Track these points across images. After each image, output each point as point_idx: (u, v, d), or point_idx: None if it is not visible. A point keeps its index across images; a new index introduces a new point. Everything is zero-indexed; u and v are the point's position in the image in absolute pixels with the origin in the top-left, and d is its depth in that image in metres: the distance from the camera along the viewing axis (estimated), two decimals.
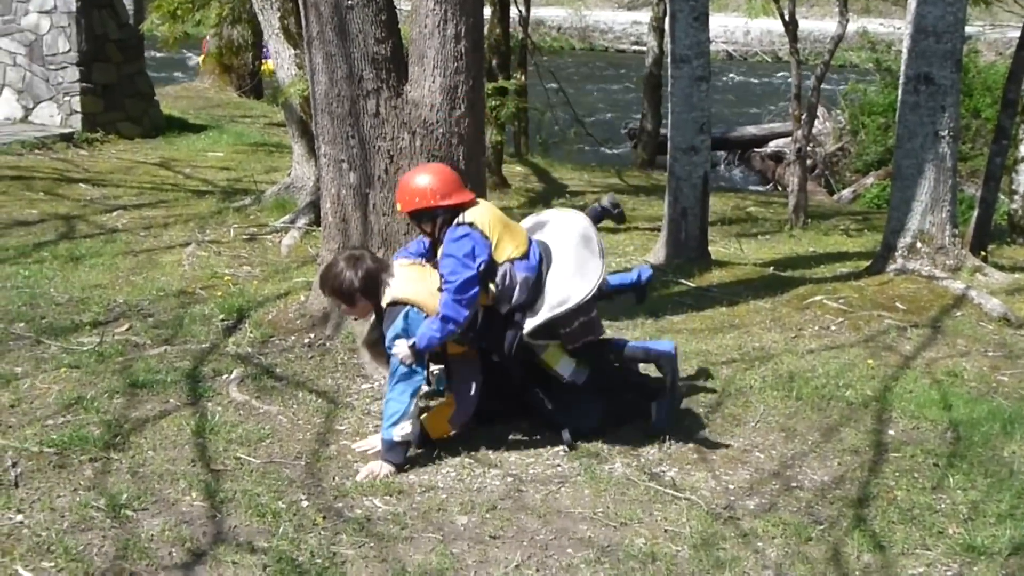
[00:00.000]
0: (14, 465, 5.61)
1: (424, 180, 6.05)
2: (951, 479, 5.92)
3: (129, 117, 15.85)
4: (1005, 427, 6.55)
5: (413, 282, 5.93)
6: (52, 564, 4.76)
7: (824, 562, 5.11)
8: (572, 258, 6.10)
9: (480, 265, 5.83)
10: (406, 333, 5.79)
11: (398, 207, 6.15)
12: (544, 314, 5.92)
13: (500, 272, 5.89)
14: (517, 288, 5.89)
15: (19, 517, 5.13)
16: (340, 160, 7.29)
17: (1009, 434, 6.48)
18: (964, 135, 17.59)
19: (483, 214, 5.99)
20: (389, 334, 5.84)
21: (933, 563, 5.14)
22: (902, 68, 9.79)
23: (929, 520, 5.50)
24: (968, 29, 11.12)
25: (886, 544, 5.28)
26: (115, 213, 11.13)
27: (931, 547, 5.27)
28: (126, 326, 7.75)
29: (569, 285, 5.98)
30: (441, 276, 5.84)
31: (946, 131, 9.50)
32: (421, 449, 6.01)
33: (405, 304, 5.84)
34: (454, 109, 7.16)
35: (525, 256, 5.98)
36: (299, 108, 11.54)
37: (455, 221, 5.95)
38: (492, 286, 5.91)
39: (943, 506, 5.66)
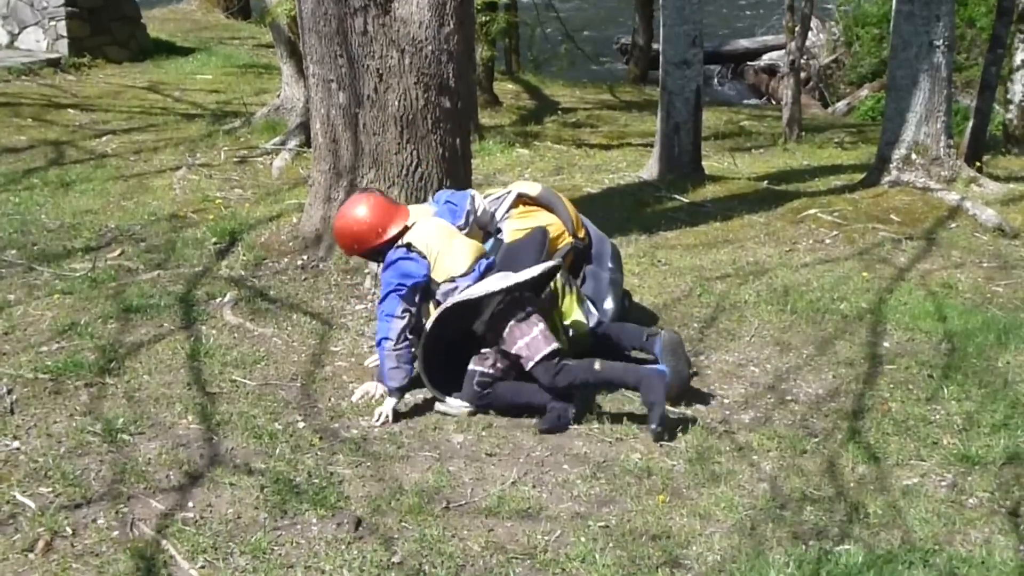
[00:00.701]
0: (9, 392, 5.61)
1: (360, 223, 5.85)
2: (946, 390, 5.94)
3: (116, 41, 15.66)
4: (1000, 338, 6.57)
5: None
6: (49, 489, 4.78)
7: (819, 474, 5.14)
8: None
9: (413, 286, 5.70)
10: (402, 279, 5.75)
11: (344, 254, 6.10)
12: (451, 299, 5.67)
13: (442, 291, 5.77)
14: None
15: (16, 443, 5.14)
16: (329, 80, 7.22)
17: (1004, 344, 6.50)
18: (959, 45, 17.42)
19: (423, 234, 5.83)
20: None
21: (927, 473, 5.18)
22: None
23: (924, 431, 5.53)
24: None
25: (880, 455, 5.31)
26: (104, 138, 11.04)
27: (925, 458, 5.30)
28: (118, 251, 7.72)
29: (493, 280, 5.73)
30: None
31: (941, 40, 9.42)
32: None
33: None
34: (443, 26, 7.08)
35: (470, 271, 5.79)
36: (287, 28, 11.41)
37: (395, 244, 5.83)
38: (432, 304, 5.83)
39: (937, 417, 5.69)
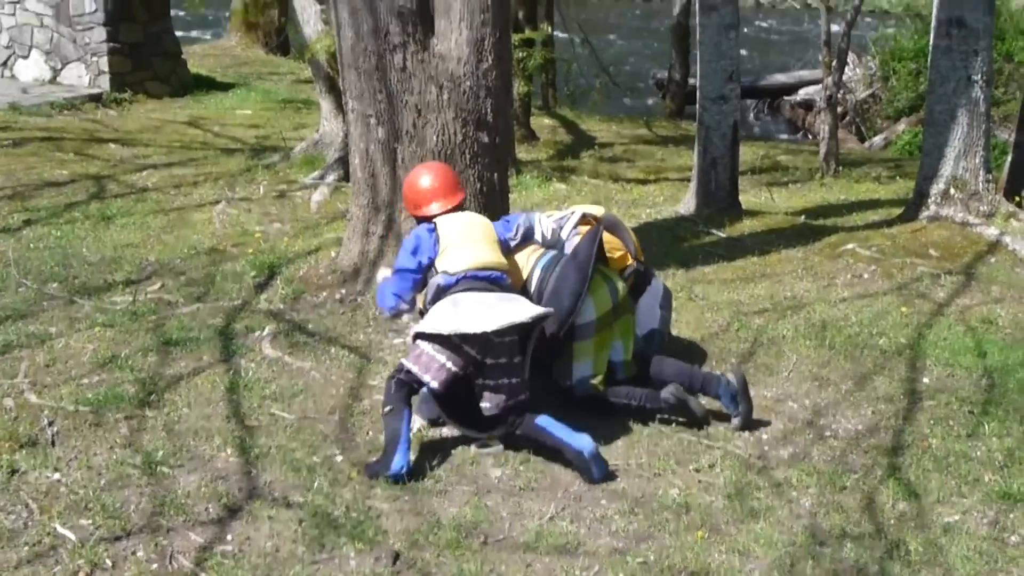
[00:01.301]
0: (50, 424, 5.65)
1: (411, 188, 6.15)
2: (986, 426, 5.89)
3: (157, 76, 15.81)
4: None
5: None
6: (90, 521, 4.80)
7: (858, 511, 5.11)
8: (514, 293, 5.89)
9: (419, 263, 5.87)
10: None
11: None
12: (433, 326, 5.57)
13: (431, 281, 5.86)
14: (430, 294, 5.86)
15: (56, 475, 5.17)
16: (368, 115, 7.27)
17: None
18: (997, 79, 17.36)
19: (452, 221, 5.95)
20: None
21: (969, 511, 5.13)
22: (934, 12, 9.67)
23: (964, 468, 5.48)
24: None
25: (921, 492, 5.27)
26: (145, 172, 11.13)
27: (966, 495, 5.26)
28: (158, 284, 7.77)
29: (470, 314, 5.59)
30: None
31: (979, 75, 9.39)
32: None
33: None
34: (481, 62, 7.12)
35: (458, 275, 5.76)
36: (326, 64, 11.48)
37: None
38: (422, 297, 5.99)
39: (978, 454, 5.64)
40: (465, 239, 5.87)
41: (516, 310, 5.54)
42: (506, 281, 5.86)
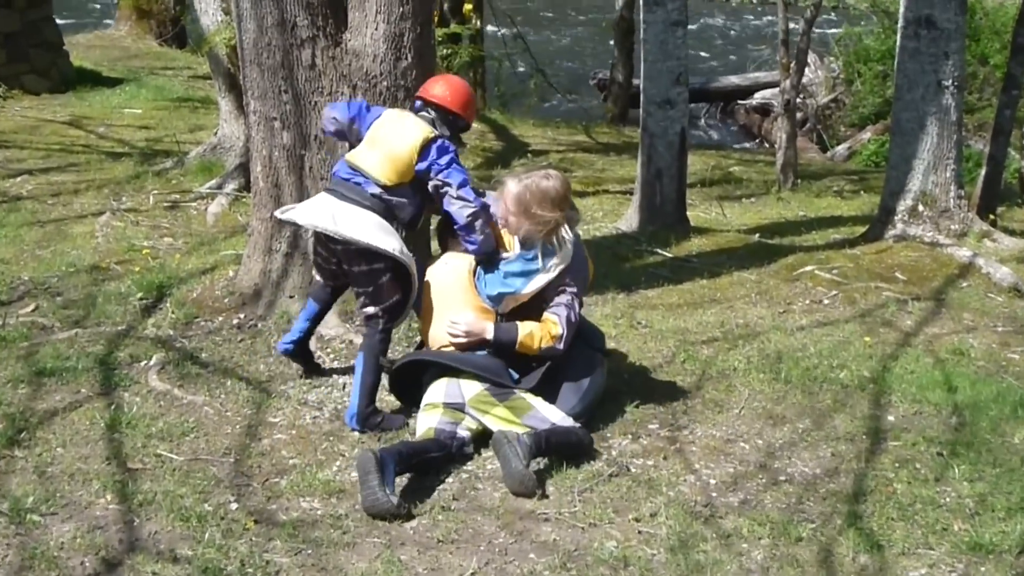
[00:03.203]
0: None
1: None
2: (955, 470, 5.94)
3: (34, 69, 15.67)
4: (1015, 410, 6.59)
5: None
6: None
7: (815, 564, 5.13)
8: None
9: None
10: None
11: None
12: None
13: None
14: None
15: None
16: (272, 118, 7.24)
17: (1020, 418, 6.52)
18: (970, 84, 17.66)
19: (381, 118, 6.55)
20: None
21: (936, 563, 5.17)
22: (900, 10, 9.81)
23: (931, 516, 5.52)
24: None
25: (884, 543, 5.30)
26: (19, 179, 11.01)
27: (934, 546, 5.29)
28: (32, 306, 7.68)
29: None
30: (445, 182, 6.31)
31: (950, 80, 9.53)
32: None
33: None
34: (400, 59, 7.12)
35: None
36: (226, 59, 11.43)
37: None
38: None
39: (947, 500, 5.69)
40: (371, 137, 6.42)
41: (342, 221, 6.17)
42: (368, 189, 6.30)
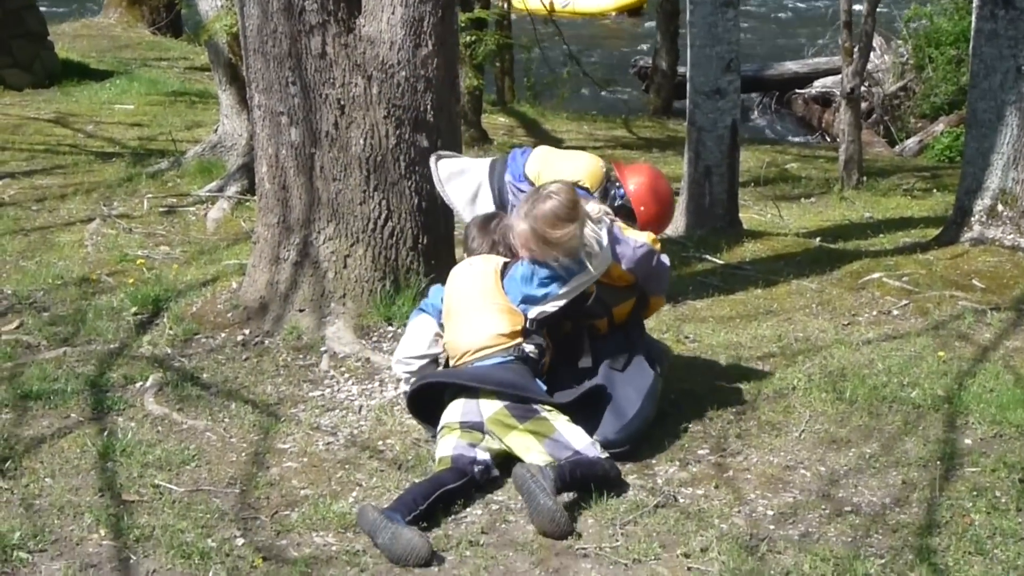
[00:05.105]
0: None
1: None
2: None
3: (16, 63, 15.77)
4: None
5: None
6: None
7: None
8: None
9: None
10: None
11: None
12: None
13: None
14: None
15: None
16: (278, 112, 7.27)
17: None
18: None
19: None
20: None
21: None
22: None
23: (1012, 550, 5.51)
24: None
25: None
26: (0, 183, 11.08)
27: None
28: (16, 323, 7.73)
29: None
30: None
31: None
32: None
33: None
34: (419, 47, 7.15)
35: None
36: (227, 49, 11.49)
37: None
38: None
39: None
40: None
41: None
42: None
